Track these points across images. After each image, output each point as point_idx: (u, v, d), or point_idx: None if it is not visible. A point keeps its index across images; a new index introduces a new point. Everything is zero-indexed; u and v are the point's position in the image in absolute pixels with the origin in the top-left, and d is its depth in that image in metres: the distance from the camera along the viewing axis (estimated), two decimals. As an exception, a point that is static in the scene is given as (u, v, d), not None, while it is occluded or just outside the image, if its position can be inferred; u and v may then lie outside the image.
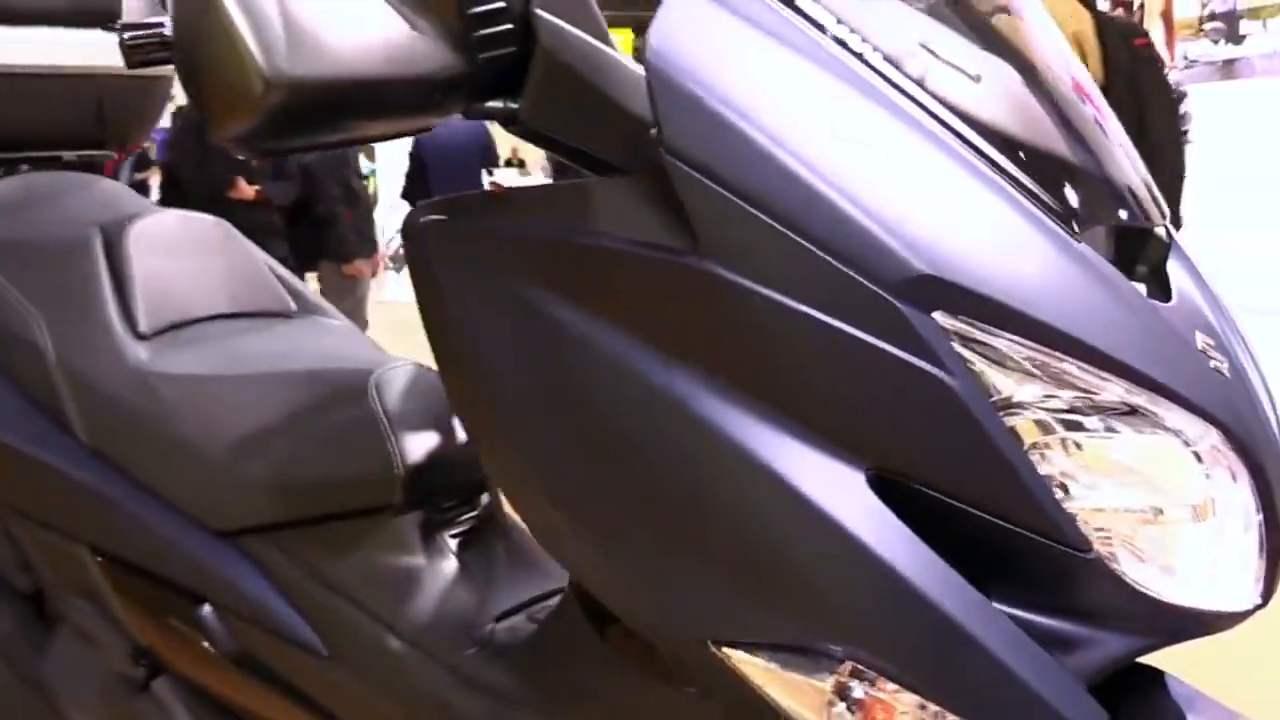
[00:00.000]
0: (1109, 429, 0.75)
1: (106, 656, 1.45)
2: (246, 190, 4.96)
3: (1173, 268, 0.86)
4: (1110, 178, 0.83)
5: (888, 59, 0.79)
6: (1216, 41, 8.69)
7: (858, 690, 0.75)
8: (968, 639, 0.73)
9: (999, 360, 0.73)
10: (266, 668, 1.31)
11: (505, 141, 8.74)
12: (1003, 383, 0.73)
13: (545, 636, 1.12)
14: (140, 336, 1.46)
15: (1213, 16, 9.05)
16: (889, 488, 0.74)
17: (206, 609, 1.33)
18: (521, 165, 11.98)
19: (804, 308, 0.73)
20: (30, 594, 1.65)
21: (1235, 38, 8.88)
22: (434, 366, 1.36)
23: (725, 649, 0.78)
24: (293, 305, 1.65)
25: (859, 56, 0.79)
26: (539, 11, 0.87)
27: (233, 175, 4.90)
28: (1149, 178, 0.87)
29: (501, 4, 0.87)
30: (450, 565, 1.28)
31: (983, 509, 0.73)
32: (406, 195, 7.78)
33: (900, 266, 0.72)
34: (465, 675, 1.16)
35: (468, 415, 0.94)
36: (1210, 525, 0.77)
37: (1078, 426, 0.74)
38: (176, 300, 1.53)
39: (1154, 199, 0.85)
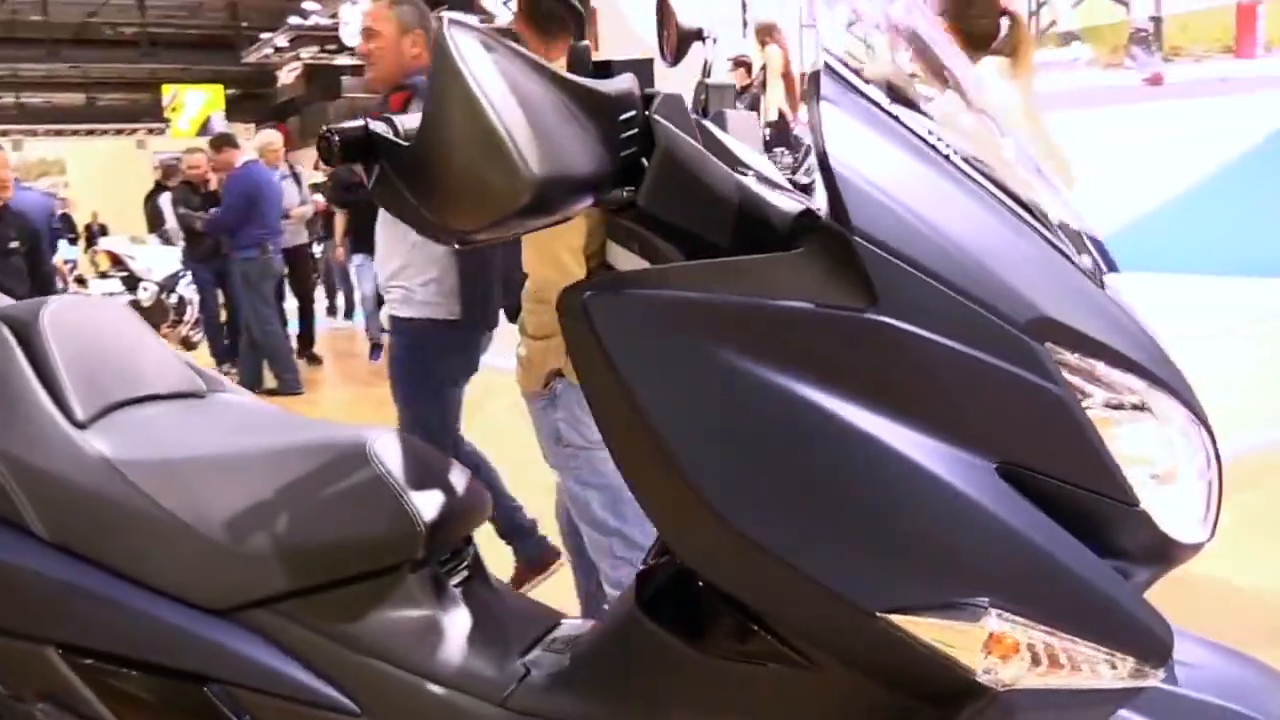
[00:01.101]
0: (1131, 417, 1.05)
1: None
2: None
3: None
4: (1090, 231, 1.15)
5: (962, 157, 1.06)
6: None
7: (997, 628, 0.99)
8: (1080, 579, 1.00)
9: (1081, 373, 1.01)
10: None
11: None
12: (1084, 389, 1.01)
13: (611, 656, 1.26)
14: (79, 425, 1.45)
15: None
16: (1010, 476, 1.00)
17: (212, 689, 1.35)
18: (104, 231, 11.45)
19: (957, 344, 0.98)
20: None
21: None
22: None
23: (892, 615, 1.00)
24: (203, 385, 1.68)
25: (946, 157, 1.05)
26: (656, 117, 1.06)
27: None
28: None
29: (633, 113, 1.06)
30: (463, 612, 1.40)
31: (1076, 483, 1.01)
32: None
33: (1025, 310, 0.99)
34: (517, 709, 1.28)
35: (637, 464, 1.07)
36: (1184, 482, 1.09)
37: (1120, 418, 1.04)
38: (102, 386, 1.53)
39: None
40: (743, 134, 1.35)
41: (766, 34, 3.76)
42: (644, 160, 1.08)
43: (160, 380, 1.62)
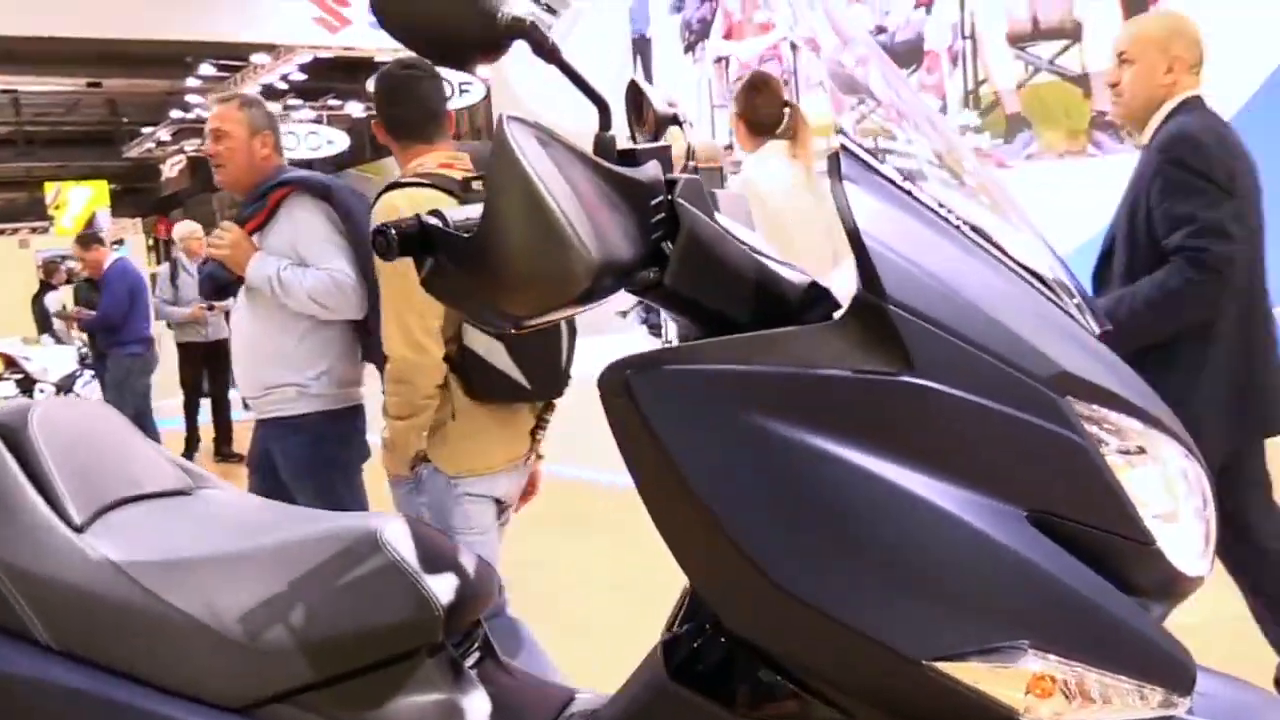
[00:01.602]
0: (1138, 461, 1.12)
1: None
2: None
3: None
4: (1083, 289, 1.23)
5: (969, 225, 1.14)
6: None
7: (1037, 667, 1.05)
8: (1110, 616, 1.06)
9: (1095, 422, 1.08)
10: None
11: None
12: (1100, 437, 1.08)
13: None
14: (77, 528, 1.44)
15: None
16: (1039, 523, 1.07)
17: None
18: None
19: (988, 401, 1.04)
20: None
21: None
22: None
23: (938, 663, 1.05)
24: (190, 481, 1.67)
25: (956, 227, 1.13)
26: (680, 201, 1.12)
27: None
28: None
29: (662, 198, 1.11)
30: (481, 694, 1.41)
31: (1099, 526, 1.08)
32: None
33: (1047, 366, 1.06)
34: None
35: (683, 533, 1.10)
36: (1184, 520, 1.16)
37: (1131, 463, 1.11)
38: (95, 487, 1.52)
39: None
40: (732, 213, 1.42)
41: None
42: (666, 243, 1.13)
43: (150, 479, 1.61)
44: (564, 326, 2.63)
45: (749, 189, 3.59)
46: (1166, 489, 1.15)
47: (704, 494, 1.06)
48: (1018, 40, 7.43)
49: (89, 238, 8.37)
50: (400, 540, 1.41)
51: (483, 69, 13.63)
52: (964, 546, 1.04)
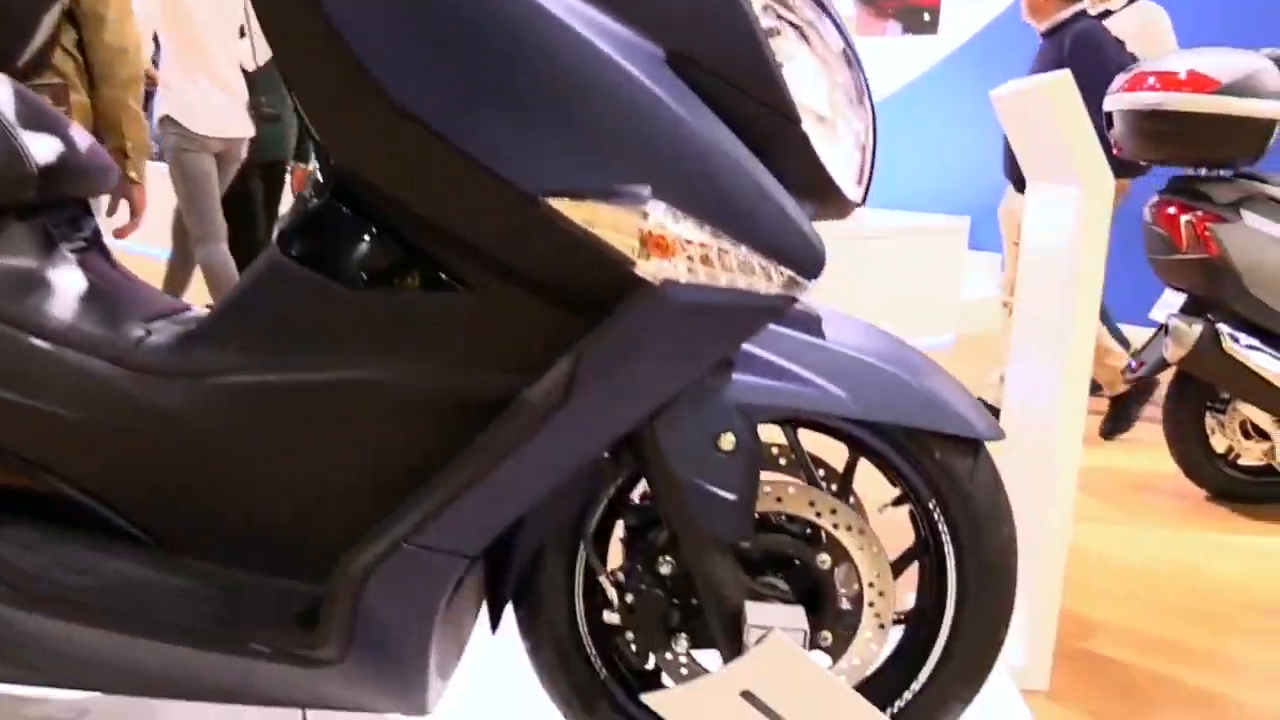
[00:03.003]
0: (795, 39, 1.05)
1: None
2: None
3: None
4: None
5: None
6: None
7: (657, 216, 0.97)
8: (744, 179, 1.00)
9: None
10: None
11: None
12: None
13: (251, 307, 1.15)
14: None
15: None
16: (679, 71, 0.98)
17: None
18: None
19: None
20: None
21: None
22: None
23: (554, 200, 0.95)
24: None
25: None
26: None
27: None
28: None
29: None
30: (77, 274, 1.27)
31: (740, 84, 1.00)
32: None
33: None
34: (135, 366, 1.15)
35: (295, 45, 1.00)
36: (843, 139, 1.10)
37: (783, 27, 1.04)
38: None
39: None
40: None
41: None
42: None
43: None
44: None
45: None
46: (828, 95, 1.08)
47: (338, 23, 0.95)
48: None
49: None
50: (3, 97, 1.23)
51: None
52: (594, 75, 0.96)
